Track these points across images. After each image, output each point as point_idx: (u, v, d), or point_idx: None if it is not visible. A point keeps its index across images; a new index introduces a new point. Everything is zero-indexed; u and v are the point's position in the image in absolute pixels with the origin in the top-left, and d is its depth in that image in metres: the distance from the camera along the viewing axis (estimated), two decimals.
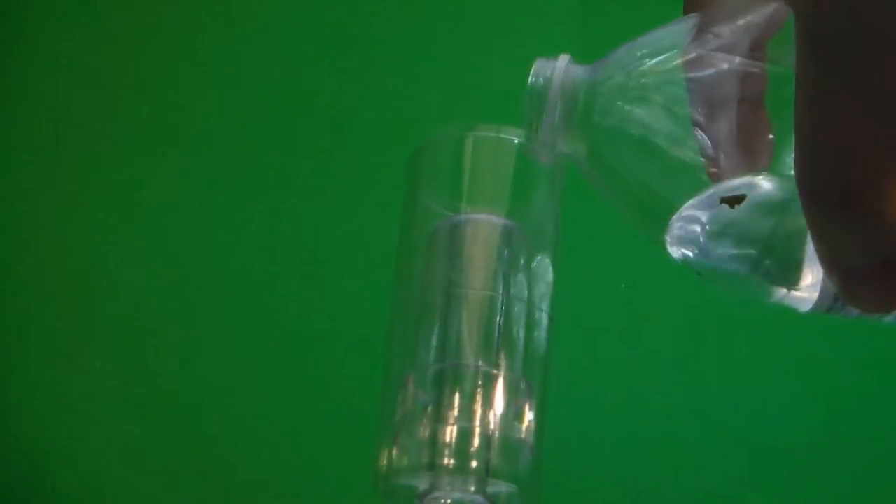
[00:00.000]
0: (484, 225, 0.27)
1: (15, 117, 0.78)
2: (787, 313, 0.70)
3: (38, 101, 0.78)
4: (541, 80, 0.28)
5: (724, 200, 0.26)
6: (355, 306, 0.70)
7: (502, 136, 0.29)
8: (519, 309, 0.27)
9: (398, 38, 0.78)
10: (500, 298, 0.27)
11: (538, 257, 0.28)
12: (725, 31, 0.26)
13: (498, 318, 0.26)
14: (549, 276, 0.28)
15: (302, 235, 0.73)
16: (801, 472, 0.65)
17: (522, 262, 0.27)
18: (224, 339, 0.70)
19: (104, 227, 0.74)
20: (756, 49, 0.26)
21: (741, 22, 0.26)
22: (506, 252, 0.27)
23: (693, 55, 0.27)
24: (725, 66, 0.26)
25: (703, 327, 0.69)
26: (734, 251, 0.27)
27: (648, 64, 0.28)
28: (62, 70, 0.79)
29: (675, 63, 0.27)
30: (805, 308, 0.29)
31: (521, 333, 0.26)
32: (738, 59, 0.26)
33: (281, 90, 0.78)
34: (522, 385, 0.26)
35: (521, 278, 0.27)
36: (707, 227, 0.27)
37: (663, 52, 0.28)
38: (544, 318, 0.27)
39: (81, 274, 0.73)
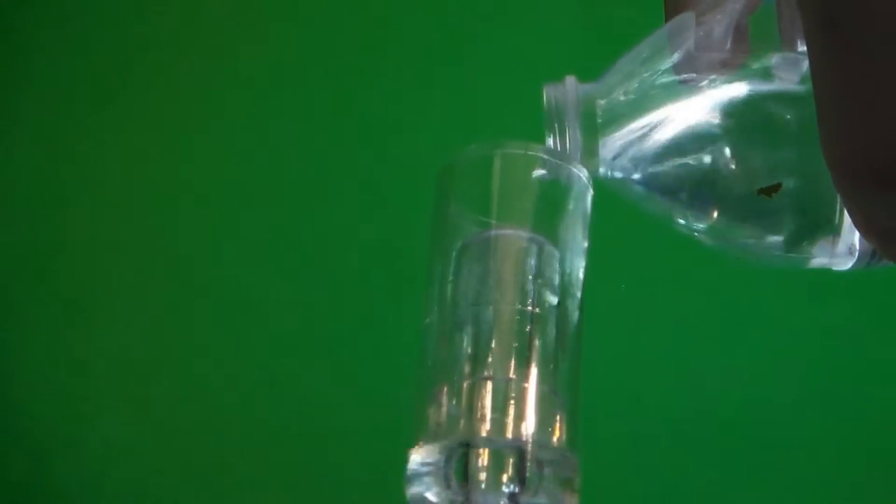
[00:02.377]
0: (512, 239, 0.28)
1: (15, 117, 0.78)
2: (788, 313, 0.70)
3: (39, 100, 0.78)
4: (554, 102, 0.29)
5: (760, 192, 0.27)
6: (356, 307, 0.70)
7: (530, 152, 0.29)
8: (549, 322, 0.27)
9: (398, 39, 0.78)
10: (530, 311, 0.27)
11: (567, 270, 0.28)
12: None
13: (528, 330, 0.27)
14: (579, 288, 0.28)
15: (302, 237, 0.73)
16: (801, 472, 0.65)
17: (551, 275, 0.28)
18: (224, 339, 0.70)
19: (104, 227, 0.74)
20: (740, 37, 0.28)
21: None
22: (534, 266, 0.27)
23: (680, 56, 0.28)
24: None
25: (703, 327, 0.69)
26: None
27: (645, 70, 0.29)
28: (67, 69, 0.79)
29: (666, 65, 0.28)
30: (846, 267, 0.30)
31: (552, 346, 0.27)
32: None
33: (286, 95, 0.78)
34: (555, 397, 0.26)
35: (549, 291, 0.27)
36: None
37: (657, 55, 0.29)
38: (573, 330, 0.27)
39: (81, 274, 0.73)
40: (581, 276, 0.29)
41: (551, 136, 0.29)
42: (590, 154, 0.29)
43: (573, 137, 0.29)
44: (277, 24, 0.80)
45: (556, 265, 0.28)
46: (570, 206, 0.29)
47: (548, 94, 0.30)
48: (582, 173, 0.29)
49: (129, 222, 0.74)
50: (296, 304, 0.71)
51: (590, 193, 0.30)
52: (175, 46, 0.79)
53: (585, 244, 0.30)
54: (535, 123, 0.30)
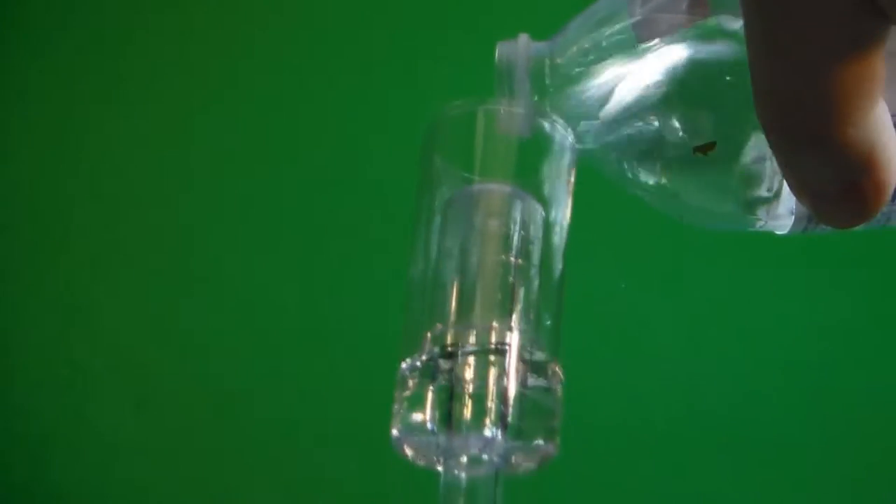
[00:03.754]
0: (496, 194, 0.28)
1: (15, 116, 0.78)
2: (788, 314, 0.70)
3: (39, 100, 0.78)
4: (505, 59, 0.30)
5: (696, 150, 0.28)
6: (356, 307, 0.70)
7: (513, 108, 0.30)
8: (532, 273, 0.28)
9: (398, 39, 0.78)
10: (513, 263, 0.27)
11: (550, 224, 0.29)
12: None
13: (511, 281, 0.27)
14: (562, 241, 0.29)
15: (302, 235, 0.73)
16: (801, 472, 0.65)
17: (534, 229, 0.28)
18: (224, 339, 0.70)
19: (104, 227, 0.74)
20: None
21: None
22: (517, 219, 0.28)
23: (638, 18, 0.29)
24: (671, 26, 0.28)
25: (703, 327, 0.69)
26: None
27: (599, 30, 0.30)
28: (66, 70, 0.79)
29: (623, 25, 0.29)
30: (783, 231, 0.31)
31: (535, 296, 0.27)
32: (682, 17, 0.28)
33: (282, 92, 0.78)
34: (538, 348, 0.27)
35: (532, 244, 0.28)
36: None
37: (613, 16, 0.30)
38: (556, 282, 0.28)
39: (81, 274, 0.73)
40: (564, 229, 0.29)
41: (500, 92, 0.30)
42: (537, 112, 0.30)
43: (522, 95, 0.30)
44: (277, 17, 0.80)
45: (539, 219, 0.28)
46: (553, 161, 0.30)
47: (500, 50, 0.30)
48: (567, 130, 0.29)
49: (130, 222, 0.74)
50: (296, 303, 0.71)
51: (573, 149, 0.30)
52: (176, 43, 0.79)
53: (569, 198, 0.30)
54: None
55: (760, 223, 0.30)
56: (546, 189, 0.29)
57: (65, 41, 0.80)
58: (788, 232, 0.30)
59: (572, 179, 0.30)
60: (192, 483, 0.68)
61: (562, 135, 0.30)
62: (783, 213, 0.30)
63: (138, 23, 0.80)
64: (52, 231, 0.74)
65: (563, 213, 0.29)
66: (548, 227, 0.28)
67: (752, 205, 0.30)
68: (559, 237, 0.29)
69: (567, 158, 0.30)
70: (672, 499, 0.66)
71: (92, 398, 0.69)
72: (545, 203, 0.28)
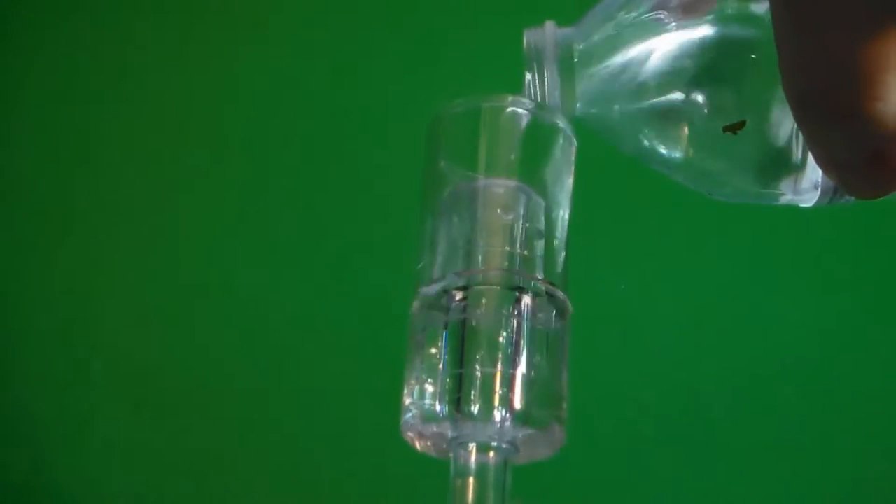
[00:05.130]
0: (499, 188, 0.29)
1: (16, 116, 0.78)
2: (787, 314, 0.70)
3: (42, 101, 0.78)
4: (533, 45, 0.31)
5: (726, 129, 0.29)
6: (357, 307, 0.70)
7: (517, 105, 0.30)
8: (537, 263, 0.28)
9: (397, 39, 0.78)
10: (518, 253, 0.28)
11: (553, 217, 0.29)
12: None
13: (517, 270, 0.28)
14: (564, 232, 0.30)
15: (301, 236, 0.73)
16: (801, 472, 0.65)
17: (537, 222, 0.29)
18: (224, 339, 0.70)
19: (105, 227, 0.74)
20: None
21: None
22: (522, 213, 0.29)
23: None
24: None
25: (703, 327, 0.69)
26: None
27: (622, 12, 0.30)
28: (67, 70, 0.79)
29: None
30: (808, 204, 0.31)
31: (539, 284, 0.28)
32: None
33: (286, 92, 0.78)
34: (544, 339, 0.27)
35: (536, 236, 0.29)
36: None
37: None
38: (561, 271, 0.29)
39: (81, 274, 0.73)
40: (566, 221, 0.30)
41: (530, 77, 0.30)
42: (567, 94, 0.30)
43: (551, 78, 0.30)
44: (277, 17, 0.80)
45: (542, 212, 0.29)
46: (555, 156, 0.30)
47: (527, 37, 0.31)
48: (566, 124, 0.30)
49: (130, 222, 0.74)
50: (297, 303, 0.71)
51: (574, 143, 0.31)
52: (177, 41, 0.79)
53: (570, 191, 0.31)
54: None
55: (786, 197, 0.31)
56: (548, 181, 0.29)
57: (66, 36, 0.80)
58: (814, 204, 0.31)
59: (573, 170, 0.30)
60: (192, 483, 0.68)
61: (565, 130, 0.30)
62: (808, 186, 0.30)
63: (140, 18, 0.80)
64: (53, 230, 0.74)
65: (566, 206, 0.30)
66: (550, 218, 0.29)
67: (779, 179, 0.30)
68: (562, 228, 0.29)
69: (570, 153, 0.30)
70: (672, 498, 0.66)
71: (92, 398, 0.69)
72: (548, 197, 0.29)
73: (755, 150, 0.30)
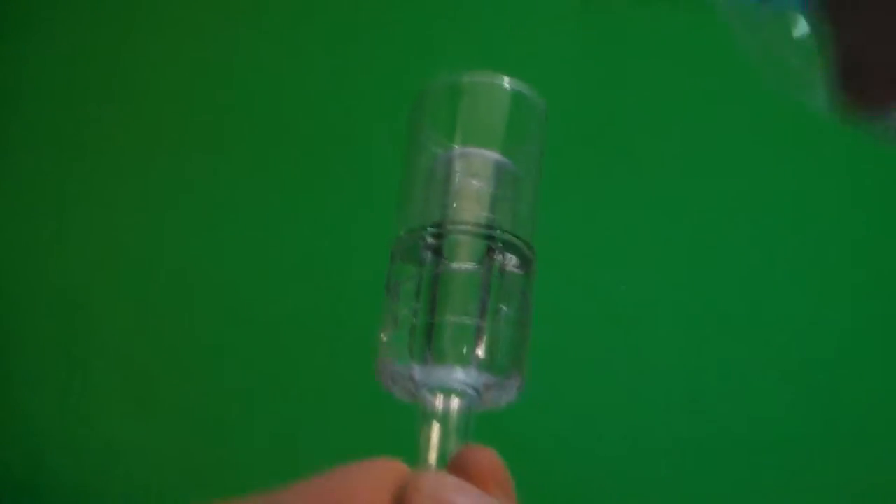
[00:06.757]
0: (474, 156, 0.30)
1: (18, 116, 0.78)
2: (789, 315, 0.70)
3: (41, 101, 0.78)
4: None
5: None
6: (357, 307, 0.70)
7: (496, 81, 0.31)
8: (505, 223, 0.30)
9: (397, 39, 0.78)
10: (489, 215, 0.30)
11: (524, 185, 0.31)
12: None
13: (485, 228, 0.29)
14: (534, 198, 0.31)
15: (302, 235, 0.73)
16: (801, 473, 0.65)
17: (508, 189, 0.30)
18: (224, 339, 0.70)
19: (104, 227, 0.74)
20: None
21: None
22: (494, 180, 0.30)
23: None
24: None
25: (703, 327, 0.69)
26: None
27: None
28: (65, 69, 0.79)
29: None
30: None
31: (511, 237, 0.30)
32: None
33: (280, 89, 0.78)
34: (510, 291, 0.29)
35: (507, 203, 0.30)
36: None
37: None
38: (526, 233, 0.30)
39: (82, 274, 0.73)
40: (536, 185, 0.31)
41: None
42: (518, 83, 0.31)
43: None
44: (271, 14, 0.80)
45: (513, 178, 0.31)
46: (527, 128, 0.32)
47: None
48: (540, 101, 0.31)
49: (130, 222, 0.74)
50: (297, 303, 0.71)
51: (545, 116, 0.32)
52: (175, 46, 0.79)
53: (539, 159, 0.32)
54: None
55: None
56: (520, 150, 0.31)
57: (64, 38, 0.80)
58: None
59: (544, 140, 0.32)
60: (192, 483, 0.68)
61: (539, 106, 0.32)
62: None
63: (138, 19, 0.80)
64: (52, 230, 0.74)
65: (536, 176, 0.31)
66: (520, 187, 0.31)
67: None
68: (531, 195, 0.31)
69: (542, 128, 0.32)
70: (672, 499, 0.66)
71: (92, 398, 0.69)
72: (521, 167, 0.31)
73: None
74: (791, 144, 0.72)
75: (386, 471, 0.23)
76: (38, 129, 0.77)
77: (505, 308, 0.28)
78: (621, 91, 0.73)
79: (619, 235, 0.69)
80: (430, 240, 0.29)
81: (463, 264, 0.28)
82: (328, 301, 0.71)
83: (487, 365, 0.27)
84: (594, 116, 0.71)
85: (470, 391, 0.27)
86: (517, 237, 0.29)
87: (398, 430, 0.28)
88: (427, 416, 0.28)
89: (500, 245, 0.29)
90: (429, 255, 0.29)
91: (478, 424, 0.28)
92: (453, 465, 0.25)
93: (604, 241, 0.68)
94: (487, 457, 0.25)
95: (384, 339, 0.29)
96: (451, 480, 0.23)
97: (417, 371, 0.28)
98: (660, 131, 0.72)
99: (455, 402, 0.27)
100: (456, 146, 0.30)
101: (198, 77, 0.79)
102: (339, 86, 0.77)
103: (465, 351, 0.27)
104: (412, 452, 0.28)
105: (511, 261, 0.29)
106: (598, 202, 0.69)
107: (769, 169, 0.72)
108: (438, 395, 0.28)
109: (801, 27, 0.30)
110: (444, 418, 0.27)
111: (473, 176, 0.30)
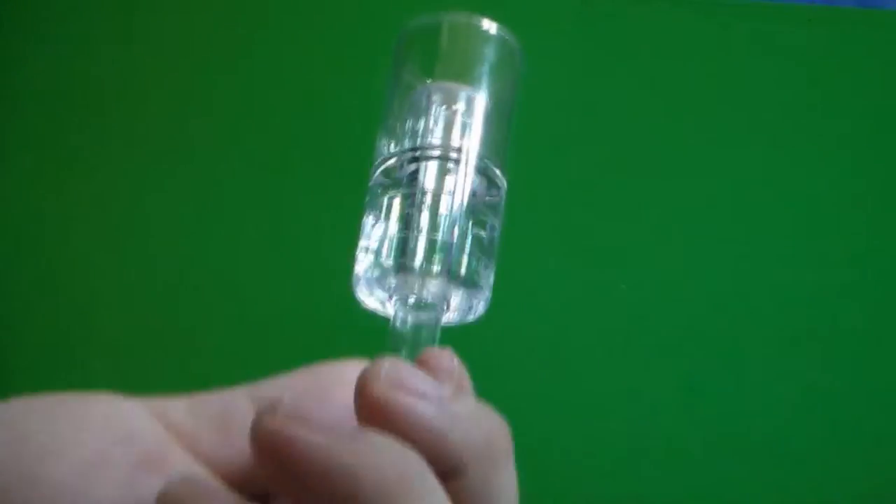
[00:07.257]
0: (451, 89, 0.32)
1: (18, 117, 0.78)
2: (789, 315, 0.70)
3: (42, 105, 0.78)
4: None
5: None
6: (358, 306, 0.70)
7: (472, 20, 0.33)
8: (479, 148, 0.32)
9: (391, 36, 0.78)
10: (463, 141, 0.31)
11: (497, 119, 0.32)
12: None
13: (459, 152, 0.31)
14: (507, 130, 0.33)
15: (301, 237, 0.73)
16: (801, 473, 0.65)
17: (478, 120, 0.32)
18: (224, 339, 0.70)
19: (104, 228, 0.74)
20: None
21: None
22: (469, 109, 0.32)
23: None
24: None
25: (703, 327, 0.69)
26: None
27: None
28: (65, 76, 0.79)
29: None
30: None
31: (483, 166, 0.31)
32: None
33: (280, 89, 0.78)
34: (481, 210, 0.31)
35: (480, 127, 0.32)
36: None
37: None
38: (499, 157, 0.32)
39: (81, 274, 0.73)
40: (510, 118, 0.33)
41: None
42: (497, 26, 0.33)
43: None
44: (268, 27, 0.80)
45: (488, 110, 0.32)
46: (502, 65, 0.33)
47: None
48: (515, 43, 0.33)
49: (130, 222, 0.74)
50: (298, 303, 0.71)
51: (519, 56, 0.33)
52: (172, 58, 0.79)
53: (513, 93, 0.33)
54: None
55: None
56: (496, 85, 0.33)
57: (62, 44, 0.80)
58: None
59: (518, 76, 0.33)
60: None
61: (515, 47, 0.33)
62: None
63: (136, 23, 0.80)
64: (52, 230, 0.74)
65: (508, 113, 0.33)
66: (492, 120, 0.32)
67: None
68: (503, 128, 0.32)
69: (517, 67, 0.33)
70: (672, 499, 0.66)
71: None
72: (495, 103, 0.32)
73: None
74: (791, 145, 0.72)
75: (359, 368, 0.24)
76: (39, 129, 0.77)
77: (475, 228, 0.30)
78: (621, 91, 0.73)
79: (618, 235, 0.69)
80: (407, 164, 0.31)
81: (437, 185, 0.30)
82: (329, 301, 0.71)
83: (457, 278, 0.29)
84: (593, 116, 0.71)
85: (440, 301, 0.29)
86: (488, 162, 0.31)
87: None
88: (398, 325, 0.29)
89: (472, 169, 0.30)
90: (405, 178, 0.31)
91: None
92: (416, 364, 0.26)
93: (603, 241, 0.68)
94: (446, 355, 0.26)
95: (361, 253, 0.30)
96: (405, 365, 0.24)
97: (391, 280, 0.29)
98: (659, 131, 0.72)
99: (425, 314, 0.29)
100: (432, 80, 0.32)
101: (198, 77, 0.79)
102: (340, 86, 0.77)
103: (436, 264, 0.29)
104: None
105: (482, 183, 0.31)
106: (599, 202, 0.69)
107: (769, 169, 0.72)
108: (410, 304, 0.29)
109: None
110: (415, 328, 0.29)
111: (448, 106, 0.31)
